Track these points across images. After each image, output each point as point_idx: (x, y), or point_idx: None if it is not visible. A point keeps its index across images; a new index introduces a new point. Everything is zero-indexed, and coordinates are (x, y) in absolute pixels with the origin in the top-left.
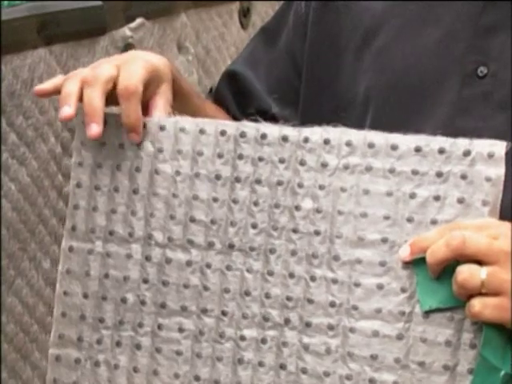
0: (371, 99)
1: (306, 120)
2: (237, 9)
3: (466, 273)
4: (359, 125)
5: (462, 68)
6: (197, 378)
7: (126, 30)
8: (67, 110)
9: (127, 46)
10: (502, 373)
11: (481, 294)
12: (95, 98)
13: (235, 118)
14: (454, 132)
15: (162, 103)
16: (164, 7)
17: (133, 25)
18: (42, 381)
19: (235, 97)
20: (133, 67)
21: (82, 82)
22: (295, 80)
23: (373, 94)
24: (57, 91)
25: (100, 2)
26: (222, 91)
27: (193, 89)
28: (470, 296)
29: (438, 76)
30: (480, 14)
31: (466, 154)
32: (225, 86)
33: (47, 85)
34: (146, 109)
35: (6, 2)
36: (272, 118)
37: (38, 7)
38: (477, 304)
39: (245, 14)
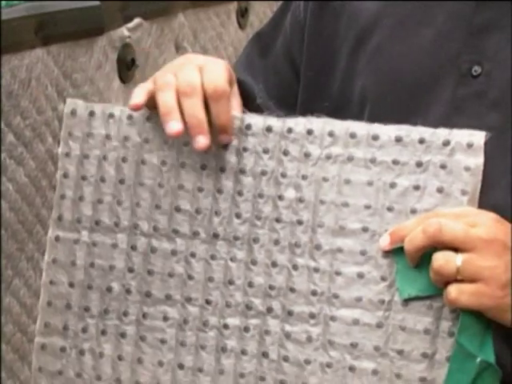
0: (367, 99)
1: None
2: (234, 9)
3: (442, 260)
4: None
5: (456, 67)
6: (181, 366)
7: (124, 30)
8: (176, 125)
9: (125, 46)
10: (478, 360)
11: (457, 281)
12: (199, 110)
13: None
14: None
15: (236, 104)
16: (162, 7)
17: (130, 25)
18: None
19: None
20: (216, 68)
21: (178, 92)
22: (294, 83)
23: (368, 94)
24: (150, 102)
25: (98, 2)
26: None
27: None
28: (448, 283)
29: (433, 75)
30: (473, 13)
31: (446, 143)
32: None
33: (140, 98)
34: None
35: (3, 2)
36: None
37: (36, 7)
38: (453, 291)
39: (242, 14)
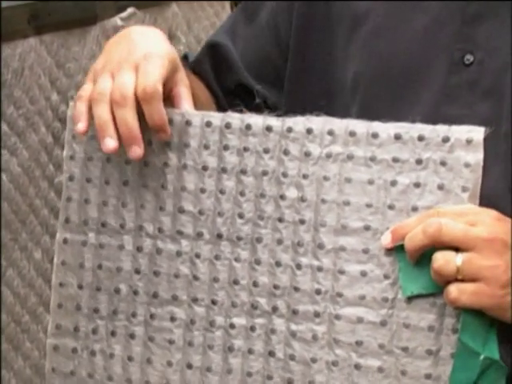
0: (359, 85)
1: (291, 102)
2: None
3: (441, 260)
4: (347, 110)
5: (448, 56)
6: (189, 366)
7: (117, 20)
8: (111, 143)
9: None
10: (482, 357)
11: (458, 280)
12: (130, 120)
13: (212, 92)
14: (439, 119)
15: (185, 91)
16: None
17: (124, 14)
18: (34, 371)
19: (215, 69)
20: (149, 67)
21: (112, 103)
22: (275, 56)
23: (361, 80)
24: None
25: None
26: (202, 63)
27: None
28: (448, 282)
29: (425, 63)
30: (467, 2)
31: (445, 140)
32: (205, 58)
33: (82, 124)
34: (169, 99)
35: None
36: (251, 95)
37: None
38: (453, 290)
39: (236, 4)
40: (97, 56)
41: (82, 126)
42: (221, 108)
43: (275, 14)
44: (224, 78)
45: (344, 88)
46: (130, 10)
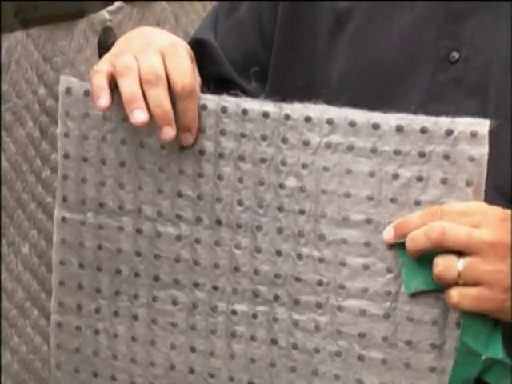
0: (344, 84)
1: (273, 98)
2: None
3: (442, 265)
4: None
5: (434, 53)
6: (193, 349)
7: (105, 14)
8: (142, 115)
9: (106, 30)
10: (484, 357)
11: (460, 284)
12: (165, 101)
13: None
14: None
15: (198, 82)
16: None
17: (111, 8)
18: (22, 365)
19: (200, 66)
20: (182, 61)
21: (141, 80)
22: (260, 51)
23: (346, 78)
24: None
25: None
26: None
27: None
28: (450, 286)
29: (411, 61)
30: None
31: (449, 133)
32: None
33: (104, 100)
34: None
35: None
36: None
37: None
38: (455, 295)
39: None
40: (84, 50)
41: (105, 101)
42: None
43: (258, 7)
44: (208, 74)
45: (328, 87)
46: (118, 3)
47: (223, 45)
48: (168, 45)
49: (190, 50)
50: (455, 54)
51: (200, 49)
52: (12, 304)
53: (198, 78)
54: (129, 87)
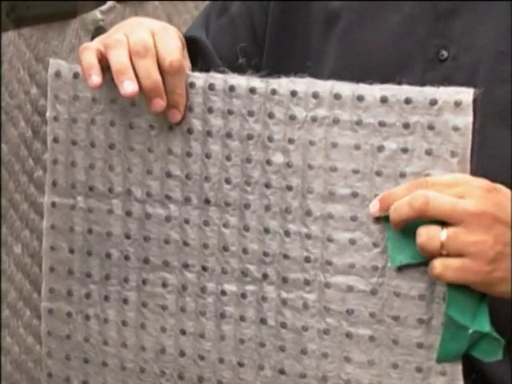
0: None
1: None
2: None
3: (425, 236)
4: None
5: (423, 52)
6: (183, 332)
7: (97, 13)
8: (132, 85)
9: (98, 29)
10: (471, 331)
11: (443, 255)
12: (154, 73)
13: None
14: None
15: (186, 67)
16: None
17: (104, 8)
18: (15, 366)
19: (192, 64)
20: (170, 39)
21: (131, 52)
22: (251, 46)
23: (337, 77)
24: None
25: None
26: None
27: None
28: (434, 256)
29: (401, 60)
30: None
31: (433, 103)
32: None
33: (96, 77)
34: None
35: None
36: None
37: None
38: (438, 265)
39: None
40: (76, 49)
41: (96, 79)
42: None
43: (249, 6)
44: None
45: None
46: (110, 3)
47: (215, 44)
48: (159, 26)
49: (181, 36)
50: (444, 53)
51: (191, 46)
52: (4, 304)
53: (189, 64)
54: (118, 58)
